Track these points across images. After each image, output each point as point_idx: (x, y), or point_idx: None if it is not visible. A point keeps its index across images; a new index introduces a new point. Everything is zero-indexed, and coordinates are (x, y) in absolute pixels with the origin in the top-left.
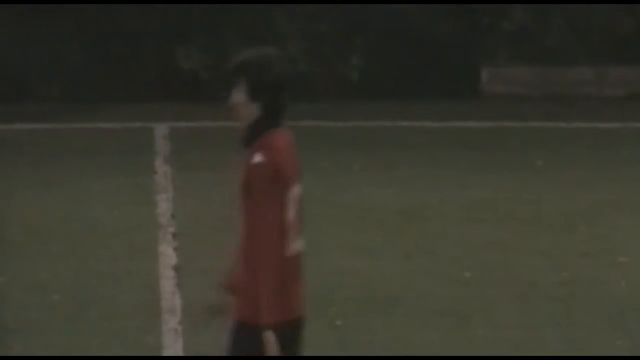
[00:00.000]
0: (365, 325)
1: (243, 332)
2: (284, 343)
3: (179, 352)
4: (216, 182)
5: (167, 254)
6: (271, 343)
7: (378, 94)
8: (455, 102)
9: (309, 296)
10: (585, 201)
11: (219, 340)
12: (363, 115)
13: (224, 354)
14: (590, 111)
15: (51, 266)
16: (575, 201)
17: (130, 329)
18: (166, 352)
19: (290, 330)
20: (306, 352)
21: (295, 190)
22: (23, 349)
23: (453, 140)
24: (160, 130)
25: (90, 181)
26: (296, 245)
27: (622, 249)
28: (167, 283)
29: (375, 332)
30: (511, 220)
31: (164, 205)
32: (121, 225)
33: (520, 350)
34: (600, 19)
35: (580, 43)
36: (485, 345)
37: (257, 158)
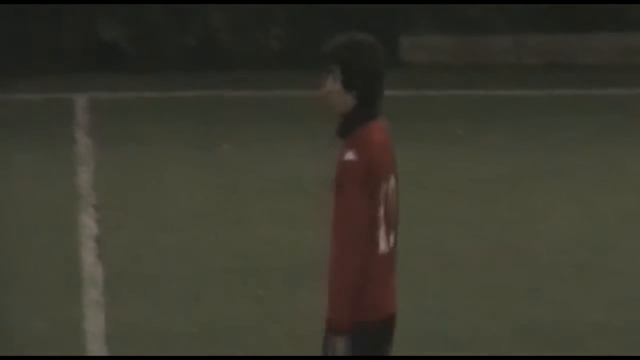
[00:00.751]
0: (289, 295)
1: (326, 337)
2: (373, 343)
3: (101, 324)
4: (137, 153)
5: (88, 226)
6: (340, 349)
7: (299, 63)
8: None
9: (232, 267)
10: (505, 169)
11: (141, 312)
12: (285, 85)
13: (145, 326)
14: (509, 79)
15: None
16: (495, 169)
17: (51, 302)
18: (88, 324)
19: (381, 330)
20: (229, 323)
21: (389, 184)
22: None
23: None
24: (81, 101)
25: (10, 153)
26: (388, 242)
27: (542, 216)
28: (88, 255)
29: (299, 301)
30: (432, 189)
31: (84, 177)
32: (42, 198)
33: (443, 318)
34: None
35: (500, 11)
36: (408, 314)
37: (350, 155)
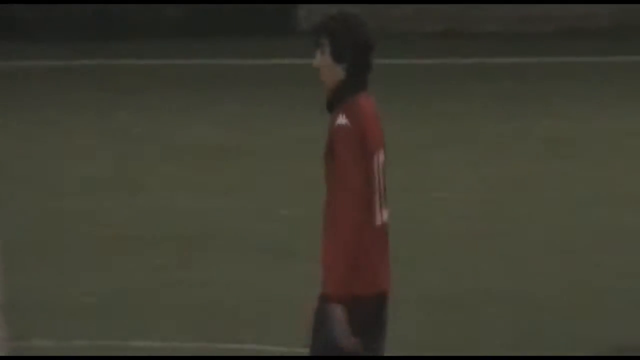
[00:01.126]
0: (184, 263)
1: (321, 305)
2: (364, 318)
3: None
4: (34, 121)
5: None
6: (337, 318)
7: (200, 32)
8: (274, 40)
9: (131, 235)
10: (404, 137)
11: (37, 280)
12: (185, 54)
13: (42, 294)
14: (410, 47)
15: None
16: (394, 137)
17: None
18: None
19: (373, 305)
20: (128, 291)
21: (380, 158)
22: None
23: (271, 78)
24: None
25: None
26: (382, 215)
27: (441, 184)
28: None
29: (195, 269)
30: None
31: None
32: None
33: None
34: None
35: None
36: (306, 281)
37: (342, 120)
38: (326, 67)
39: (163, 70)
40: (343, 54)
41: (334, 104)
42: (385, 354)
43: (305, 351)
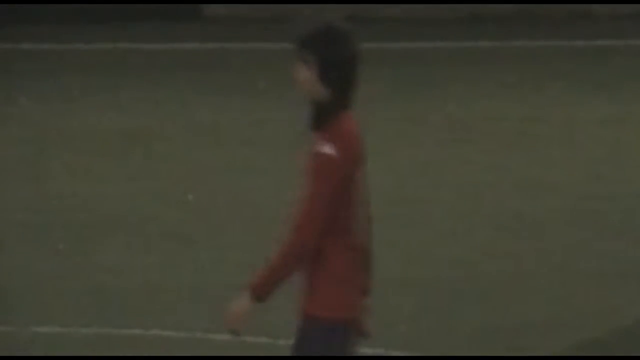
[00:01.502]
0: (88, 248)
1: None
2: (341, 344)
3: None
4: None
5: None
6: (240, 308)
7: (97, 16)
8: (176, 24)
9: (32, 221)
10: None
11: None
12: (82, 38)
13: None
14: None
15: None
16: (298, 122)
17: None
18: None
19: (347, 331)
20: (30, 276)
21: (362, 175)
22: None
23: (175, 62)
24: None
25: None
26: (359, 238)
27: None
28: None
29: (98, 254)
30: (234, 142)
31: None
32: None
33: (247, 272)
34: None
35: None
36: (211, 268)
37: (327, 149)
38: (309, 83)
39: (65, 55)
40: (330, 74)
41: (318, 124)
42: None
43: (207, 336)
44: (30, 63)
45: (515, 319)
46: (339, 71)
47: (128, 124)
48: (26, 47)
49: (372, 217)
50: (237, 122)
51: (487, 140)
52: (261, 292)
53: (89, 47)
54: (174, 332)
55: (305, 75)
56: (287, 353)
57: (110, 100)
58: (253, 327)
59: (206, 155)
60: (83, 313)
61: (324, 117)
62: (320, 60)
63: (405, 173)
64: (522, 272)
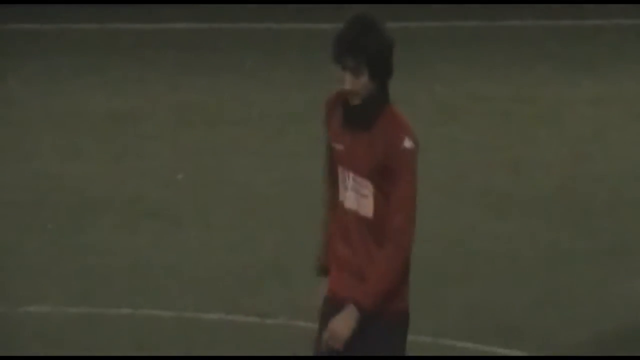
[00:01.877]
0: (76, 228)
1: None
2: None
3: None
4: None
5: None
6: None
7: None
8: (164, 3)
9: (20, 201)
10: (296, 102)
11: None
12: (71, 18)
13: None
14: (302, 12)
15: None
16: (286, 102)
17: None
18: None
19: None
20: (20, 257)
21: None
22: None
23: (162, 42)
24: None
25: None
26: None
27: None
28: None
29: (87, 234)
30: (222, 122)
31: None
32: None
33: (235, 252)
34: None
35: None
36: (199, 248)
37: (408, 143)
38: (364, 86)
39: (53, 35)
40: (379, 68)
41: (368, 120)
42: None
43: (196, 315)
44: (18, 43)
45: (501, 298)
46: (386, 62)
47: (117, 104)
48: (13, 27)
49: None
50: (225, 102)
51: (475, 120)
52: (373, 307)
53: (77, 27)
54: (162, 311)
55: (361, 81)
56: (275, 333)
57: (98, 81)
58: (242, 307)
59: (195, 136)
60: (72, 292)
61: (373, 113)
62: (369, 58)
63: None
64: (509, 251)
